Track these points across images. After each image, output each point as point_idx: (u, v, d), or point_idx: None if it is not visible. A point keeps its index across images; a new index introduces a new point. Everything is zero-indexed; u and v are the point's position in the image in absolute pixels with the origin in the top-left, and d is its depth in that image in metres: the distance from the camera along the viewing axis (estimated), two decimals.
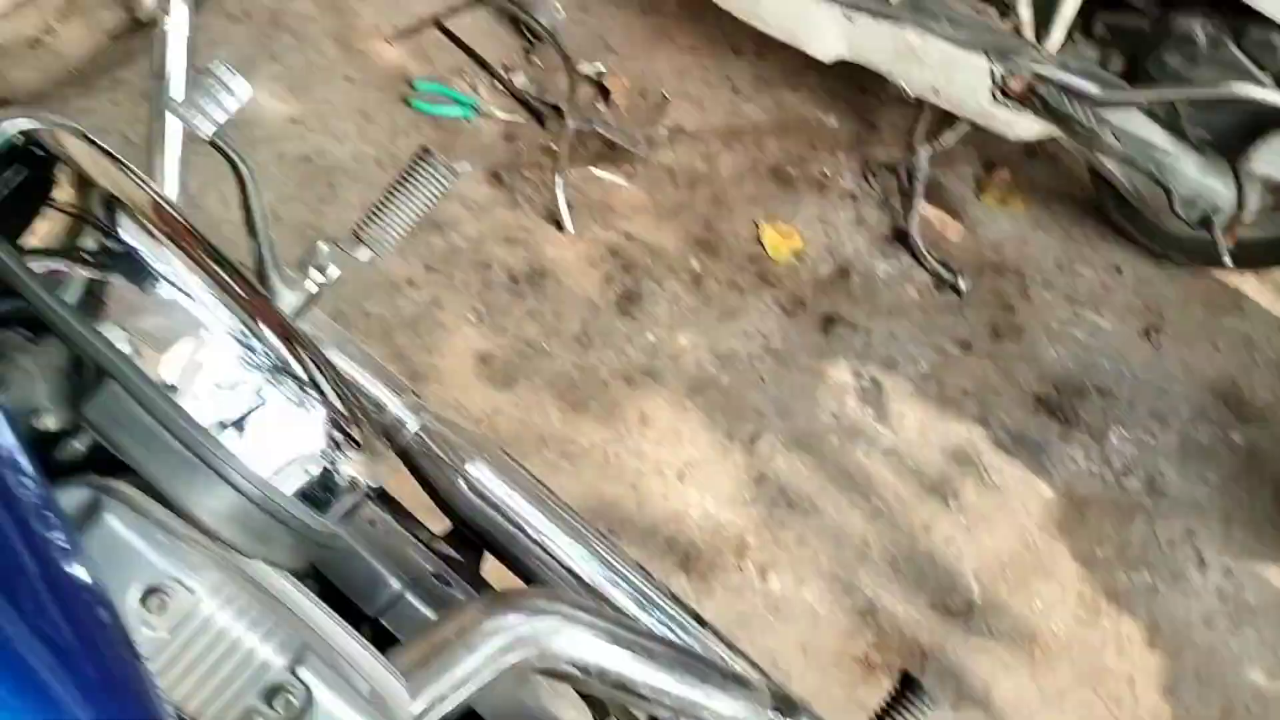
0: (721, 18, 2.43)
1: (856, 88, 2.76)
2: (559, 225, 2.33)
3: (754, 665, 1.10)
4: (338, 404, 0.61)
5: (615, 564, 1.07)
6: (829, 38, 2.26)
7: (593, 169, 2.46)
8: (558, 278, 2.27)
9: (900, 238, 2.57)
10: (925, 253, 2.53)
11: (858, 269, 2.50)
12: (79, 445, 0.57)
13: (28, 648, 0.38)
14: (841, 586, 2.02)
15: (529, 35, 2.66)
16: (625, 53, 2.73)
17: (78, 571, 0.44)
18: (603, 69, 2.62)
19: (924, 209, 2.58)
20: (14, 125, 0.61)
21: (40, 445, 0.57)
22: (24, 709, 0.36)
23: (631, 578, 1.08)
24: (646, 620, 1.06)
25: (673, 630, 1.05)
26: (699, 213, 2.49)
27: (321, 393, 0.60)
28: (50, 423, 0.56)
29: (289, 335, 0.63)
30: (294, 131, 2.32)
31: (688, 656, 0.84)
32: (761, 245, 2.47)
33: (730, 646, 1.08)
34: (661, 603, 1.06)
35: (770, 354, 2.30)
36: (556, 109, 2.49)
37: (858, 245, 2.54)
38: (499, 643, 0.71)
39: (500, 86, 2.55)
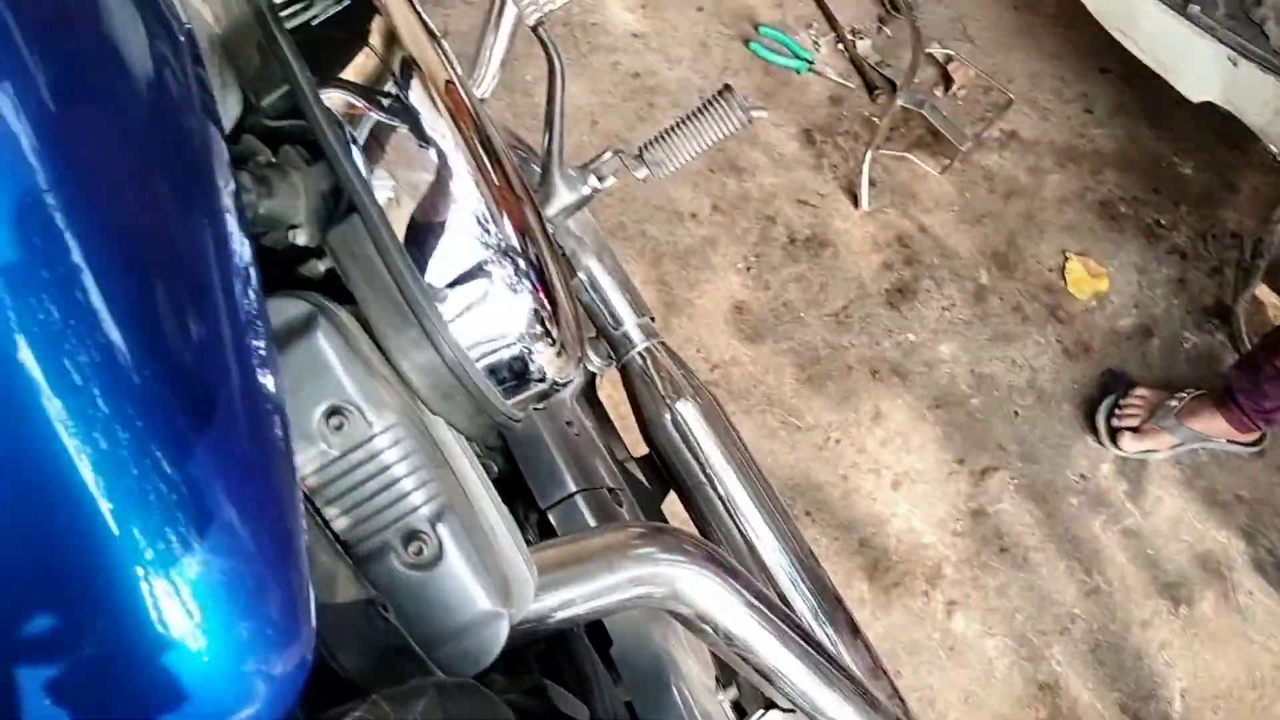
0: (1095, 32, 2.25)
1: (1223, 139, 2.49)
2: (855, 199, 2.28)
3: (896, 693, 1.06)
4: (545, 300, 0.62)
5: (791, 546, 1.06)
6: (1205, 78, 2.04)
7: (908, 153, 2.38)
8: (837, 250, 2.22)
9: (1222, 313, 2.32)
10: (1245, 337, 2.27)
11: (1162, 332, 2.29)
12: (319, 266, 0.62)
13: (198, 436, 0.42)
14: (1029, 651, 1.90)
15: (888, 4, 2.58)
16: (981, 44, 2.59)
17: (266, 381, 0.47)
18: (952, 55, 2.51)
19: (1260, 291, 2.31)
20: None
21: (288, 258, 0.63)
22: (180, 488, 0.40)
23: (802, 565, 1.06)
24: (802, 608, 1.04)
25: (824, 628, 1.03)
26: (1006, 225, 2.35)
27: (534, 285, 0.62)
28: (301, 239, 0.61)
29: (527, 228, 0.65)
30: (634, 46, 2.38)
31: (824, 657, 0.82)
32: (1063, 278, 2.31)
33: (878, 665, 1.04)
34: (821, 598, 1.04)
35: (1034, 391, 2.16)
36: (891, 84, 2.41)
37: (1171, 307, 2.32)
38: (638, 572, 0.71)
39: (842, 48, 2.50)
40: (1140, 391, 2.11)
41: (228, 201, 0.51)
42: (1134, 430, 2.08)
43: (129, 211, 0.43)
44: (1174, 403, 2.07)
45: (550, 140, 0.95)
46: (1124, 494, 2.10)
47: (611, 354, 1.14)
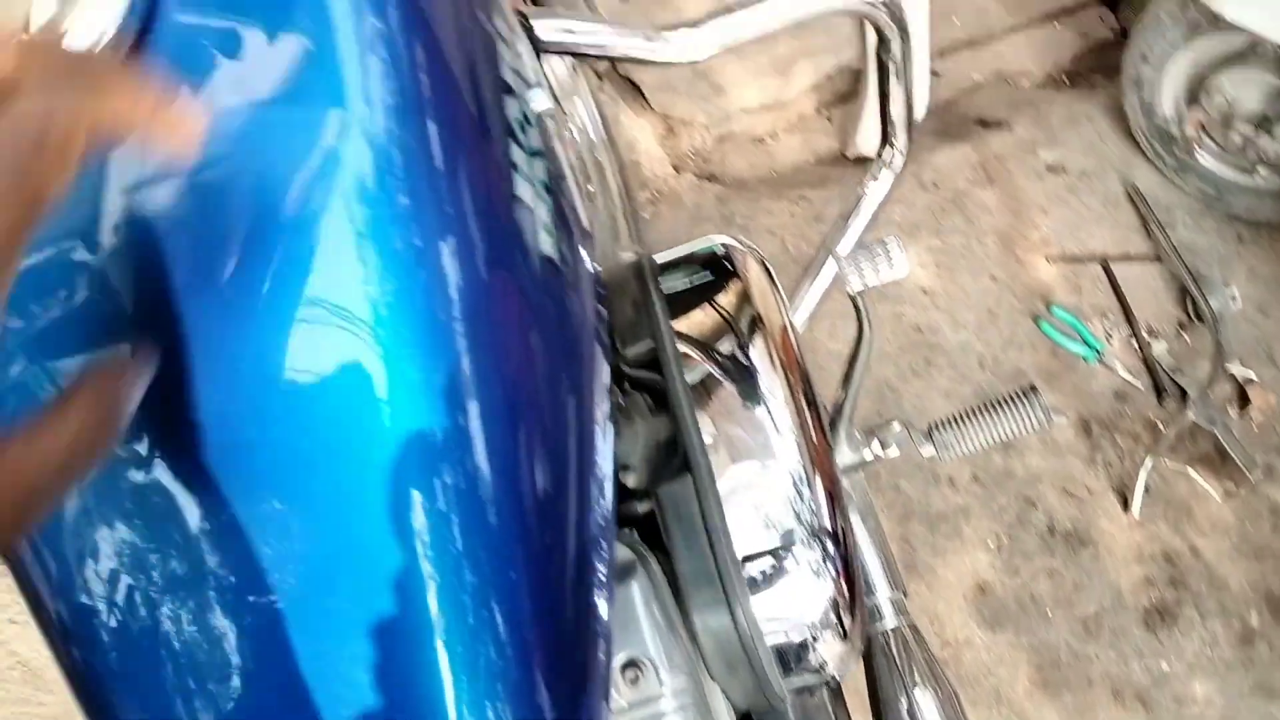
0: None
1: None
2: (1125, 503, 2.16)
3: None
4: (845, 590, 0.64)
5: None
6: None
7: (1190, 468, 2.25)
8: (1097, 552, 2.10)
9: None
10: None
11: None
12: (639, 508, 0.67)
13: (534, 614, 0.44)
14: None
15: (1191, 311, 2.50)
16: None
17: (601, 605, 0.51)
18: (1253, 377, 2.38)
19: None
20: (721, 240, 0.73)
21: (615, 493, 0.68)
22: (507, 653, 0.42)
23: None
24: None
25: None
26: None
27: (837, 573, 0.64)
28: (630, 480, 0.66)
29: (836, 496, 0.67)
30: (921, 300, 2.42)
31: None
32: None
33: None
34: None
35: None
36: (1182, 392, 2.31)
37: None
38: None
39: (1135, 346, 2.43)
40: None
41: (603, 419, 0.56)
42: None
43: (525, 388, 0.48)
44: None
45: (845, 400, 0.97)
46: None
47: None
